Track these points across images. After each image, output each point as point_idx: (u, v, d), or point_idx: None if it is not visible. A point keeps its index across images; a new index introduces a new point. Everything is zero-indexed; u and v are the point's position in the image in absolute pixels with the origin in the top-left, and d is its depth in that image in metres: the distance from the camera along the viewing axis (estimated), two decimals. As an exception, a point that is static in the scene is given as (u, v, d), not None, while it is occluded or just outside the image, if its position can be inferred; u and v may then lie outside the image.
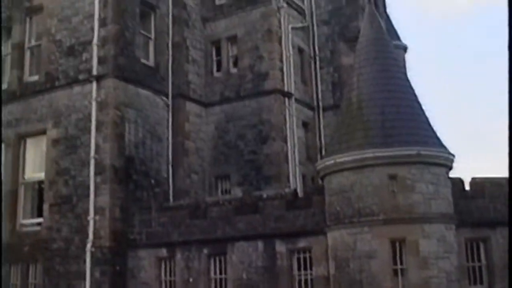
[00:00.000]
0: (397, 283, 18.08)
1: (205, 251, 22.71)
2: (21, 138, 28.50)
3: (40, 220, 26.96)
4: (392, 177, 18.44)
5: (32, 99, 28.18)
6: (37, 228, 26.90)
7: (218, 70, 30.71)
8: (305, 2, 32.54)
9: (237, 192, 26.32)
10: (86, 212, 25.11)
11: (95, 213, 24.88)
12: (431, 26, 79.18)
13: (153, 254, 24.01)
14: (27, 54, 29.55)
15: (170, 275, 23.70)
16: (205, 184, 29.21)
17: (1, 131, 28.07)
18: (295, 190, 23.42)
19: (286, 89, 29.28)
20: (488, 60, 75.65)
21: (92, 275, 24.40)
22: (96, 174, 25.23)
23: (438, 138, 19.47)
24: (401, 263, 18.16)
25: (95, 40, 26.48)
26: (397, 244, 18.21)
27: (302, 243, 20.77)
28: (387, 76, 20.32)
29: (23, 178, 28.37)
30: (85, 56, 26.83)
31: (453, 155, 19.29)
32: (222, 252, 22.36)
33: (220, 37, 30.78)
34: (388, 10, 34.94)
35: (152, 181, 26.89)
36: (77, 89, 26.75)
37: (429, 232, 18.18)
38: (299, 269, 20.95)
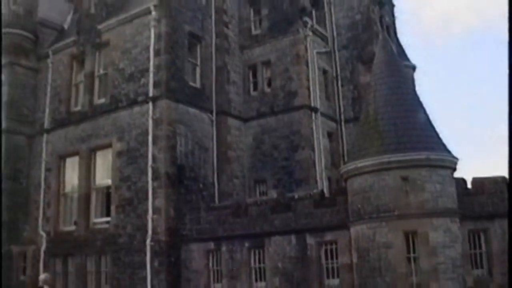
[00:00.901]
0: (410, 269, 17.88)
1: (246, 244, 22.64)
2: (92, 151, 28.74)
3: (108, 219, 27.12)
4: (405, 179, 18.24)
5: (100, 118, 28.43)
6: (106, 225, 27.06)
7: (255, 90, 30.63)
8: (328, 30, 32.34)
9: (273, 193, 26.16)
10: (146, 212, 25.19)
11: (153, 213, 24.95)
12: (433, 48, 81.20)
13: (202, 247, 24.00)
14: (96, 81, 29.84)
15: (217, 265, 23.66)
16: (245, 187, 29.12)
17: (1, 133, 28.25)
18: (322, 191, 23.22)
19: (312, 104, 29.12)
20: (481, 76, 76.96)
21: (151, 265, 24.47)
22: (153, 180, 25.30)
23: (443, 144, 19.20)
24: (414, 252, 17.95)
25: (151, 68, 26.62)
26: (410, 236, 18.02)
27: (328, 236, 20.60)
28: (398, 92, 20.11)
29: (94, 184, 28.59)
30: (142, 81, 26.98)
31: (457, 158, 19.03)
32: (260, 245, 22.28)
33: (255, 62, 30.74)
34: (398, 35, 34.57)
35: (200, 185, 26.87)
36: (136, 109, 26.89)
37: (437, 225, 17.91)
38: (326, 258, 20.78)
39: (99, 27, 29.53)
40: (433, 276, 17.48)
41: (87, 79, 29.95)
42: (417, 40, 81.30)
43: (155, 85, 26.28)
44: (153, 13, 27.02)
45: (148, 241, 24.66)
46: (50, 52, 31.79)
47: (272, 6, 30.85)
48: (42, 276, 22.52)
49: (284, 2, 30.52)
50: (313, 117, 28.92)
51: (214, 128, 28.30)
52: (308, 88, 29.13)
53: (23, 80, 31.95)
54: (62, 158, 30.04)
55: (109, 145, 27.68)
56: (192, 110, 27.26)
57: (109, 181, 27.48)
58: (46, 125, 31.07)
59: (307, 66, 29.45)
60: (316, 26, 30.91)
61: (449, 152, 18.98)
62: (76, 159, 29.14)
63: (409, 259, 17.94)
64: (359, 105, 29.38)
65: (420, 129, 19.26)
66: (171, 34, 27.06)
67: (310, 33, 30.01)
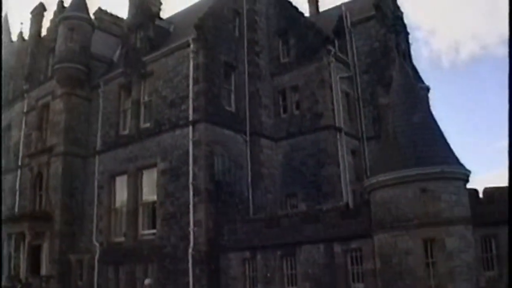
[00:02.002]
0: (428, 273, 17.72)
1: (279, 252, 22.67)
2: (139, 170, 29.15)
3: (154, 231, 27.40)
4: (423, 190, 18.13)
5: (146, 141, 28.88)
6: (153, 237, 27.35)
7: (284, 112, 30.76)
8: (349, 56, 32.41)
9: (302, 206, 26.19)
10: (187, 224, 25.40)
11: (194, 225, 25.14)
12: (442, 72, 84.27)
13: (239, 255, 24.09)
14: (142, 108, 30.35)
15: (253, 272, 23.71)
16: (277, 201, 29.15)
17: (1, 134, 28.57)
18: (347, 203, 23.18)
19: (337, 125, 29.12)
20: (484, 96, 78.58)
21: (193, 272, 24.62)
22: (194, 195, 25.52)
23: (456, 158, 19.08)
24: (432, 257, 17.78)
25: (190, 95, 26.98)
26: (428, 242, 17.85)
27: (354, 245, 20.53)
28: (414, 112, 20.06)
29: (141, 200, 28.95)
30: (183, 107, 27.34)
31: (469, 171, 18.88)
32: (292, 253, 22.28)
33: (285, 87, 30.91)
34: (412, 60, 34.47)
35: (236, 200, 26.99)
36: (178, 132, 27.24)
37: (453, 232, 17.76)
38: (352, 264, 20.69)
39: (144, 59, 30.11)
40: (450, 279, 17.32)
41: (133, 105, 30.49)
42: (429, 65, 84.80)
43: (195, 110, 26.63)
44: (192, 45, 27.46)
45: (190, 251, 24.84)
46: (101, 83, 32.50)
47: (299, 36, 31.08)
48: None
49: (309, 32, 30.72)
50: (338, 136, 28.91)
51: (248, 147, 28.47)
52: (333, 110, 29.17)
53: (78, 108, 32.68)
54: (113, 176, 30.54)
55: (154, 165, 28.05)
56: (227, 132, 27.51)
57: (154, 197, 27.80)
58: (98, 147, 31.66)
59: (331, 89, 29.52)
60: (338, 53, 31.02)
61: (461, 165, 18.86)
62: (125, 177, 29.59)
63: (427, 263, 17.80)
64: (379, 124, 29.30)
65: (435, 145, 19.17)
66: (208, 64, 27.44)
67: (333, 60, 30.13)
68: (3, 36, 43.53)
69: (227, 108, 28.20)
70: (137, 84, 30.54)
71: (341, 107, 29.84)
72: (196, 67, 27.17)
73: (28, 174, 33.83)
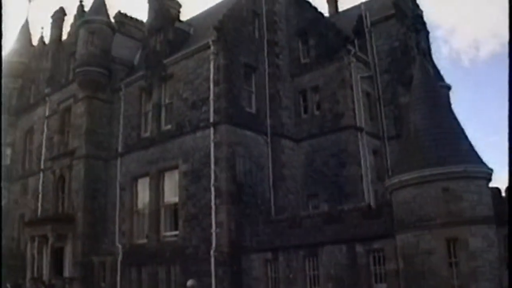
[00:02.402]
0: (451, 273, 17.80)
1: (301, 253, 22.86)
2: (161, 172, 29.55)
3: (176, 232, 27.75)
4: (445, 190, 18.22)
5: (167, 143, 29.28)
6: (175, 238, 27.70)
7: (305, 113, 30.92)
8: (369, 56, 32.50)
9: (324, 207, 26.30)
10: (209, 226, 25.71)
11: (216, 226, 25.44)
12: (464, 70, 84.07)
13: (261, 256, 24.32)
14: (163, 110, 30.76)
15: (275, 272, 23.93)
16: (299, 202, 29.34)
17: (2, 146, 28.91)
18: (369, 203, 23.29)
19: (358, 124, 29.23)
20: (504, 93, 77.97)
21: (216, 273, 24.89)
22: (215, 197, 25.81)
23: (478, 156, 19.13)
24: (455, 257, 17.87)
25: (211, 96, 27.31)
26: (451, 242, 17.94)
27: (376, 245, 20.66)
28: (435, 111, 20.15)
29: (163, 201, 29.34)
30: (204, 108, 27.67)
31: (491, 169, 18.91)
32: (314, 254, 22.46)
33: (305, 87, 31.09)
34: (433, 59, 34.44)
35: (258, 201, 27.21)
36: (199, 133, 27.57)
37: (476, 232, 17.83)
38: (374, 265, 20.83)
39: (165, 61, 30.54)
40: (473, 279, 17.40)
41: (154, 108, 30.93)
42: (449, 63, 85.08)
43: (215, 111, 26.95)
44: (212, 47, 27.81)
45: (212, 252, 25.13)
46: (122, 86, 33.01)
47: (318, 36, 31.27)
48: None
49: (329, 32, 30.91)
50: (359, 136, 29.03)
51: (269, 148, 28.69)
52: (354, 110, 29.28)
53: (100, 111, 33.23)
54: (134, 178, 31.01)
55: (175, 167, 28.44)
56: (249, 133, 27.77)
57: (176, 199, 28.17)
58: (120, 149, 32.15)
59: (352, 89, 29.64)
60: (358, 53, 31.14)
61: (484, 164, 18.91)
62: (146, 179, 30.03)
63: (450, 263, 17.89)
64: (400, 123, 29.37)
65: (457, 143, 19.26)
66: (229, 66, 27.75)
67: (354, 60, 30.26)
68: (24, 41, 44.33)
69: (248, 109, 28.46)
70: (158, 87, 30.96)
71: (362, 107, 29.94)
72: (216, 69, 27.49)
73: (51, 177, 34.48)
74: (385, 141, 31.12)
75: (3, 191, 35.63)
